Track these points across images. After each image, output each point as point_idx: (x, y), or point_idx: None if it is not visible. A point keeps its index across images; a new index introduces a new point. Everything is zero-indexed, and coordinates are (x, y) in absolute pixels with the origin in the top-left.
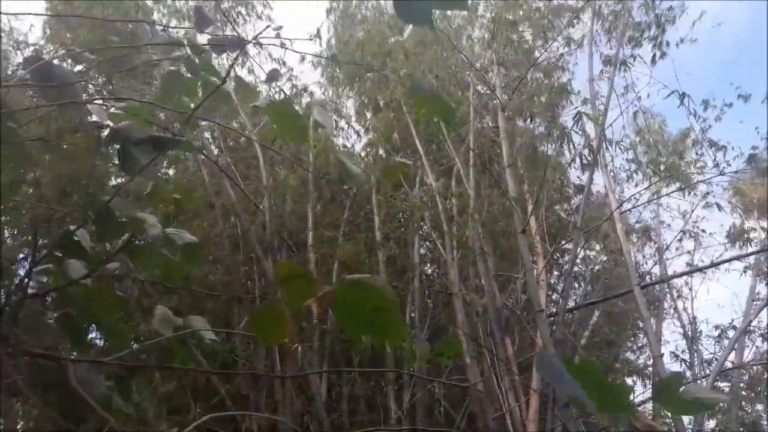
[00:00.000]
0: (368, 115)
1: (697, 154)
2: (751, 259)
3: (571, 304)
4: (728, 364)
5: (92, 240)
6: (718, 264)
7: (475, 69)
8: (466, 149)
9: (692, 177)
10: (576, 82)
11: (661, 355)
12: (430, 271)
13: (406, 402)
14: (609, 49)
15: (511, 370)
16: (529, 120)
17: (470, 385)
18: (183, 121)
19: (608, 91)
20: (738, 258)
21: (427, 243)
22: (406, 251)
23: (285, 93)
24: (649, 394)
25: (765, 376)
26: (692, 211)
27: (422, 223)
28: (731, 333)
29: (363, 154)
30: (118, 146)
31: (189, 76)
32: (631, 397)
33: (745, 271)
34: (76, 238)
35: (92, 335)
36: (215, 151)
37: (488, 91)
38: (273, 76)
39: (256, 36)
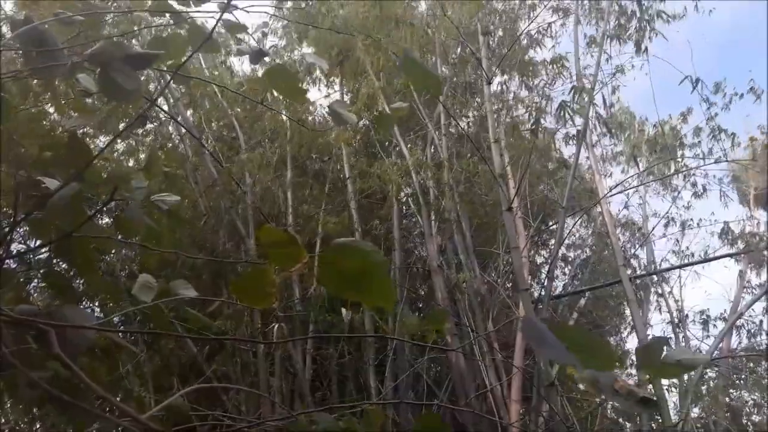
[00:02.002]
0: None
1: (683, 142)
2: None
3: (558, 287)
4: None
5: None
6: (710, 260)
7: (462, 38)
8: (439, 117)
9: (680, 163)
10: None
11: (647, 337)
12: (410, 245)
13: (388, 379)
14: (593, 27)
15: (492, 347)
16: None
17: (451, 350)
18: (173, 73)
19: (595, 69)
20: (730, 255)
21: (407, 217)
22: (386, 225)
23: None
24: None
25: (749, 365)
26: (678, 193)
27: (399, 195)
28: (720, 324)
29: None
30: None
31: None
32: (615, 356)
33: (741, 276)
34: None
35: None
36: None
37: (474, 60)
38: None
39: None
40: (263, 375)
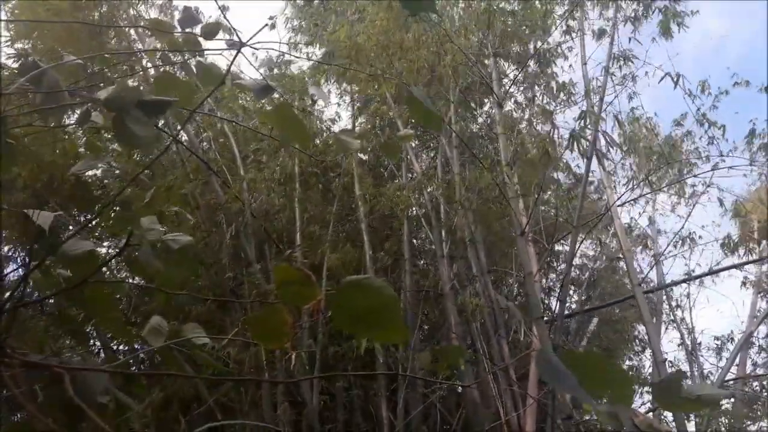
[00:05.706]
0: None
1: (686, 146)
2: (752, 274)
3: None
4: (729, 376)
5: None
6: (716, 272)
7: (471, 61)
8: (450, 135)
9: (687, 166)
10: (575, 73)
11: (664, 360)
12: (421, 265)
13: (400, 408)
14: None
15: (508, 375)
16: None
17: (467, 386)
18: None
19: (603, 81)
20: (736, 266)
21: (418, 237)
22: (395, 246)
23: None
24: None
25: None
26: (692, 209)
27: (409, 214)
28: (731, 345)
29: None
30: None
31: (183, 77)
32: (633, 387)
33: (744, 284)
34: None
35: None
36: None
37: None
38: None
39: (249, 39)
40: (267, 405)
